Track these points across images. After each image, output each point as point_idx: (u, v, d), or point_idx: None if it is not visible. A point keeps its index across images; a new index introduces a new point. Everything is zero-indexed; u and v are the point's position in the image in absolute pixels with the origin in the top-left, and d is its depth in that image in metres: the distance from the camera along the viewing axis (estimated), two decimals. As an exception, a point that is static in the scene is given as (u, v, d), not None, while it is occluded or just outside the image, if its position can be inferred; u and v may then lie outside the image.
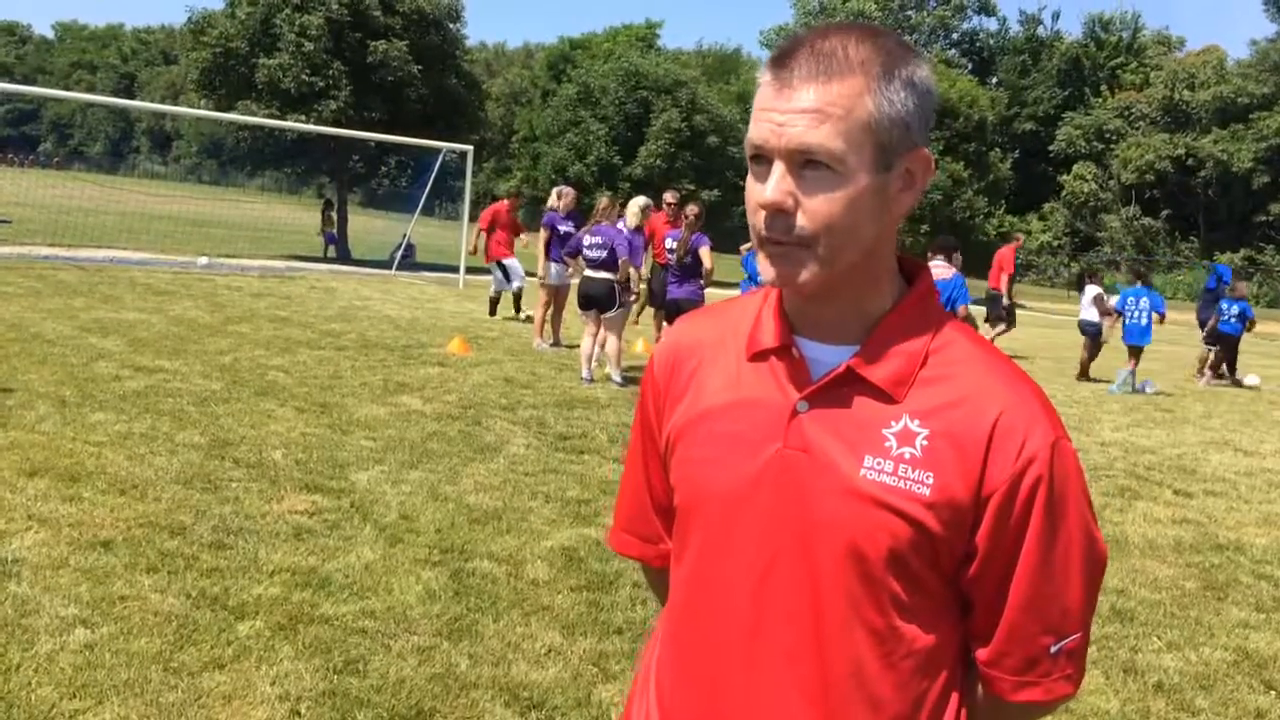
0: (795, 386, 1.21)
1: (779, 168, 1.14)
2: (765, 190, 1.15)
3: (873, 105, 1.13)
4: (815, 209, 1.14)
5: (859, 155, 1.13)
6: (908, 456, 1.16)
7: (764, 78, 1.18)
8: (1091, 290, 14.80)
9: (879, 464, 1.16)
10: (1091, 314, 14.56)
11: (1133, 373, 13.63)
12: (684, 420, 1.29)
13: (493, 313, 15.05)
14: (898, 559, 1.15)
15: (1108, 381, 13.98)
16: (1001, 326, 16.57)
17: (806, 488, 1.18)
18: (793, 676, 1.19)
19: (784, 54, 1.16)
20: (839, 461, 1.17)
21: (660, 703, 1.31)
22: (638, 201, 10.67)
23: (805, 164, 1.14)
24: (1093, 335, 14.62)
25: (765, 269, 1.19)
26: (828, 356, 1.22)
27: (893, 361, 1.20)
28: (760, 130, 1.16)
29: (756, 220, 1.17)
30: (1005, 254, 17.18)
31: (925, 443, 1.16)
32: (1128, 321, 13.96)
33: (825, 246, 1.15)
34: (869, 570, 1.16)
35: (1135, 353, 13.84)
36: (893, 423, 1.18)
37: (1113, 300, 14.54)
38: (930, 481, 1.15)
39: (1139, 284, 14.29)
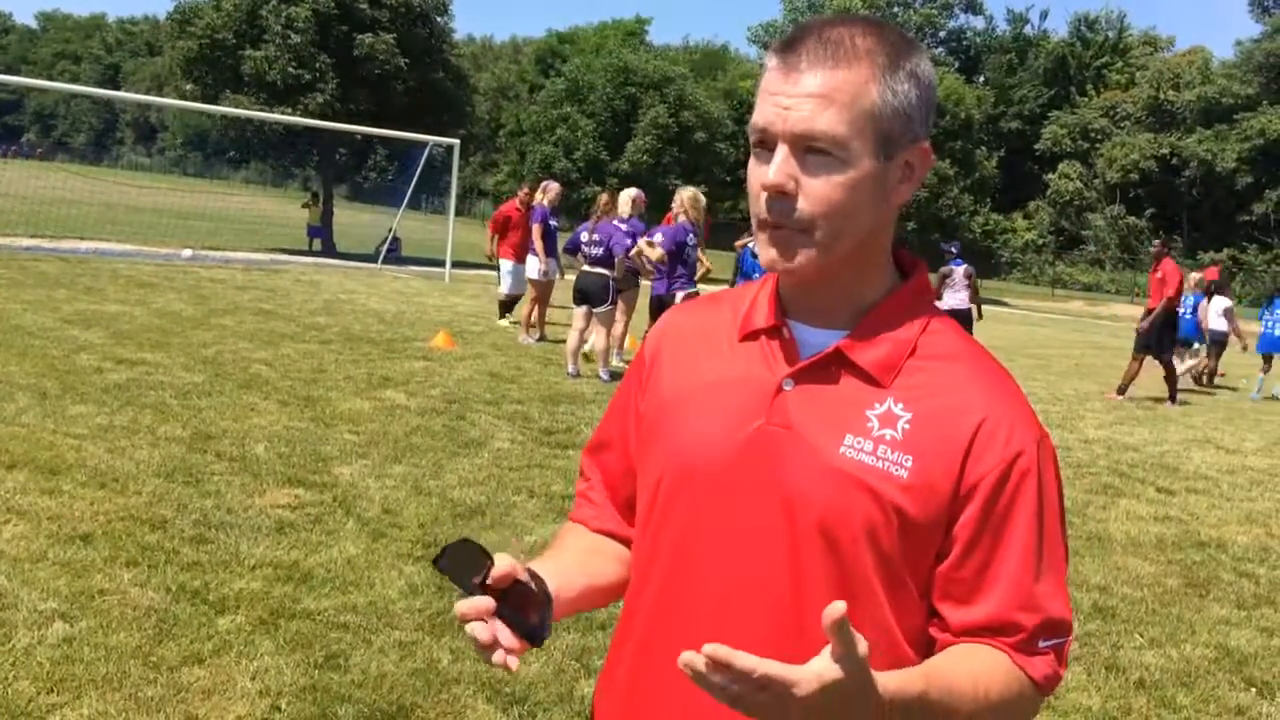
0: (783, 365, 1.23)
1: (782, 150, 1.16)
2: (768, 172, 1.16)
3: (877, 94, 1.15)
4: (816, 193, 1.15)
5: (861, 142, 1.15)
6: (888, 438, 1.17)
7: (770, 62, 1.19)
8: (1221, 302, 15.47)
9: (859, 443, 1.17)
10: (1220, 324, 15.29)
11: (1265, 378, 14.80)
12: (670, 396, 1.30)
13: (503, 315, 14.12)
14: (871, 538, 1.15)
15: (1231, 389, 15.01)
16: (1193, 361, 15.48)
17: (786, 464, 1.18)
18: (768, 652, 1.18)
19: (792, 40, 1.18)
20: (819, 439, 1.18)
21: (633, 675, 1.30)
22: (629, 193, 10.66)
23: (808, 149, 1.15)
24: (1220, 345, 15.43)
25: (764, 251, 1.20)
26: (818, 339, 1.23)
27: (881, 347, 1.21)
28: (765, 113, 1.17)
29: (758, 203, 1.18)
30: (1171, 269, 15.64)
31: (907, 427, 1.17)
32: (1265, 330, 15.08)
33: (823, 231, 1.16)
34: (842, 547, 1.16)
35: (1269, 360, 15.18)
36: (876, 405, 1.19)
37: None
38: (909, 465, 1.16)
39: (1278, 296, 15.34)
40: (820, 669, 0.97)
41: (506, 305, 14.08)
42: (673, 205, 10.54)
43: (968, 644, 1.19)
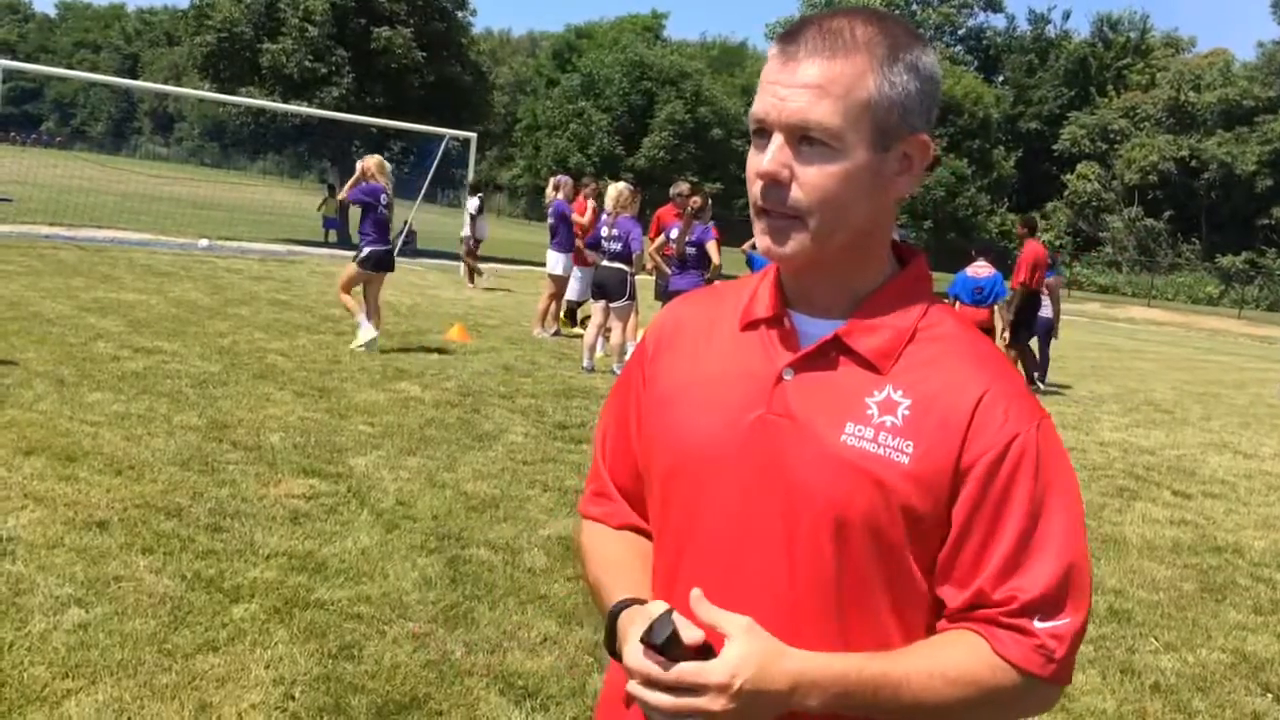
0: (783, 354, 1.23)
1: (777, 139, 1.17)
2: (763, 160, 1.17)
3: (873, 85, 1.15)
4: (809, 182, 1.16)
5: (856, 133, 1.15)
6: (889, 425, 1.16)
7: (771, 52, 1.20)
8: None
9: (860, 430, 1.17)
10: None
11: None
12: (671, 387, 1.30)
13: (573, 322, 13.25)
14: (874, 526, 1.15)
15: None
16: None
17: (787, 453, 1.18)
18: None
19: (792, 30, 1.19)
20: (820, 427, 1.18)
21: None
22: (616, 186, 10.65)
23: (803, 138, 1.16)
24: None
25: (760, 239, 1.21)
26: (817, 329, 1.23)
27: (880, 334, 1.21)
28: (763, 102, 1.18)
29: (754, 190, 1.19)
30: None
31: (907, 413, 1.17)
32: None
33: (817, 220, 1.17)
34: (845, 536, 1.15)
35: None
36: (875, 392, 1.18)
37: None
38: (910, 450, 1.15)
39: None
40: (725, 652, 1.09)
41: (571, 311, 13.25)
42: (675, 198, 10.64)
43: (947, 631, 1.17)
